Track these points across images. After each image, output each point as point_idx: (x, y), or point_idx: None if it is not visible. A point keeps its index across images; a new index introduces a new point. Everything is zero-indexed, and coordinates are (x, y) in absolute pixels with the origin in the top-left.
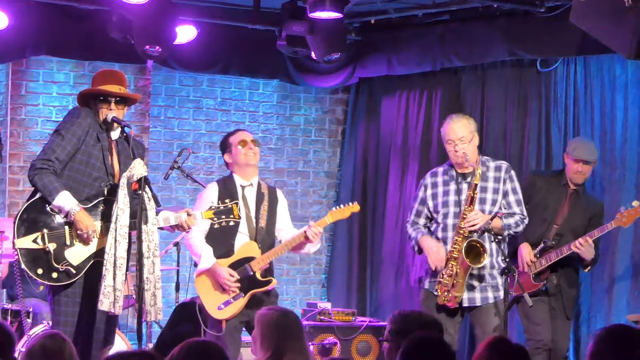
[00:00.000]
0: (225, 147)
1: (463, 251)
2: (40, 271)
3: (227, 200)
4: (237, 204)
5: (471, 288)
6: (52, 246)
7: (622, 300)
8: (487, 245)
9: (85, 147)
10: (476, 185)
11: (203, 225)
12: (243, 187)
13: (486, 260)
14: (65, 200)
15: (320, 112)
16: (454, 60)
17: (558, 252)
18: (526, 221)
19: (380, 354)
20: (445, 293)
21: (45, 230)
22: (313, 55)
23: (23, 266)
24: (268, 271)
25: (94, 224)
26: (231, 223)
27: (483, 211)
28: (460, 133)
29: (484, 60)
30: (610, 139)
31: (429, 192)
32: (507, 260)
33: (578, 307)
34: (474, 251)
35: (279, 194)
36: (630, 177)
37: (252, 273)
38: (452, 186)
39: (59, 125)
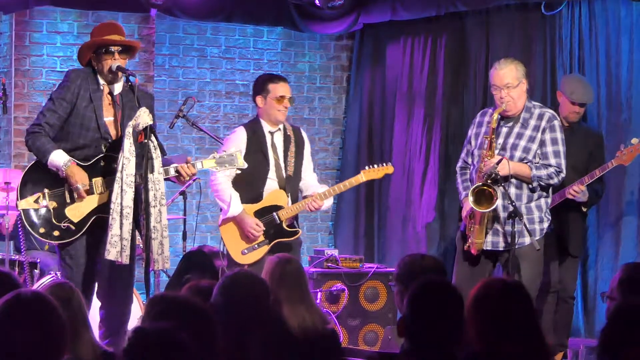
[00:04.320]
0: (260, 90)
1: (470, 196)
2: (42, 230)
3: (232, 150)
4: (240, 152)
5: (495, 232)
6: (51, 205)
7: (628, 243)
8: (512, 190)
9: (77, 110)
10: (493, 129)
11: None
12: (272, 134)
13: (496, 205)
14: (57, 157)
15: (325, 59)
16: (458, 5)
17: (561, 194)
18: (562, 175)
19: (387, 300)
20: (469, 238)
21: (46, 190)
22: (317, 1)
23: (26, 226)
24: (295, 221)
25: (86, 178)
26: (237, 171)
27: (512, 157)
28: (506, 79)
29: (489, 4)
30: (616, 82)
31: (474, 130)
32: (514, 204)
33: (586, 250)
34: (486, 194)
35: (304, 134)
36: (636, 119)
37: (279, 222)
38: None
39: (54, 90)
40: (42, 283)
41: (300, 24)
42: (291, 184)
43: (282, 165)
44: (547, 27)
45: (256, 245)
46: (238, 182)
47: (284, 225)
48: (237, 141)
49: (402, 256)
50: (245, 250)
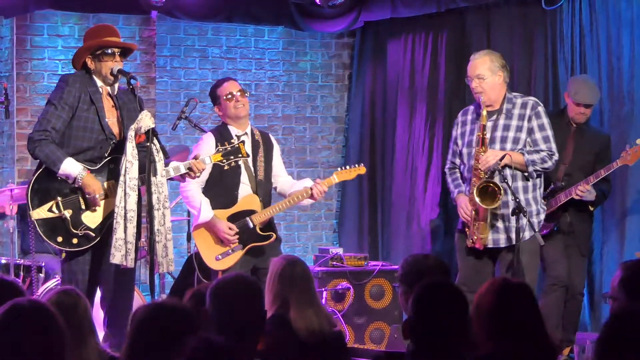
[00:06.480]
0: (214, 99)
1: (475, 193)
2: (60, 239)
3: (233, 140)
4: (244, 142)
5: (495, 229)
6: (67, 213)
7: (633, 237)
8: (512, 184)
9: (80, 113)
10: (484, 126)
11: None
12: (238, 137)
13: (501, 201)
14: (70, 166)
15: (326, 57)
16: (458, 1)
17: (567, 194)
18: (555, 157)
19: (393, 298)
20: (472, 235)
21: (59, 198)
22: (317, 0)
23: (42, 236)
24: (268, 224)
25: (101, 187)
26: (240, 162)
27: (504, 150)
28: (477, 70)
29: (489, 0)
30: (618, 76)
31: (459, 130)
32: (518, 200)
33: (591, 244)
34: (489, 191)
35: (272, 139)
36: (638, 112)
37: (252, 226)
38: (477, 125)
39: (50, 95)
40: (47, 287)
41: (301, 23)
42: (262, 188)
43: (252, 168)
44: (548, 22)
45: (230, 251)
46: (212, 188)
47: (257, 230)
48: (207, 146)
49: (407, 254)
50: (220, 256)
